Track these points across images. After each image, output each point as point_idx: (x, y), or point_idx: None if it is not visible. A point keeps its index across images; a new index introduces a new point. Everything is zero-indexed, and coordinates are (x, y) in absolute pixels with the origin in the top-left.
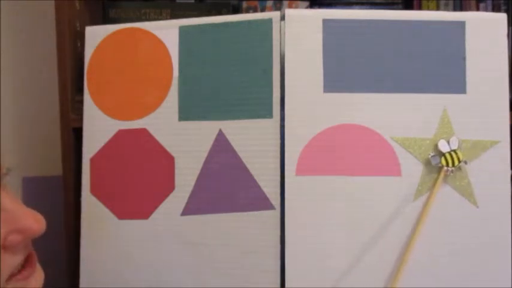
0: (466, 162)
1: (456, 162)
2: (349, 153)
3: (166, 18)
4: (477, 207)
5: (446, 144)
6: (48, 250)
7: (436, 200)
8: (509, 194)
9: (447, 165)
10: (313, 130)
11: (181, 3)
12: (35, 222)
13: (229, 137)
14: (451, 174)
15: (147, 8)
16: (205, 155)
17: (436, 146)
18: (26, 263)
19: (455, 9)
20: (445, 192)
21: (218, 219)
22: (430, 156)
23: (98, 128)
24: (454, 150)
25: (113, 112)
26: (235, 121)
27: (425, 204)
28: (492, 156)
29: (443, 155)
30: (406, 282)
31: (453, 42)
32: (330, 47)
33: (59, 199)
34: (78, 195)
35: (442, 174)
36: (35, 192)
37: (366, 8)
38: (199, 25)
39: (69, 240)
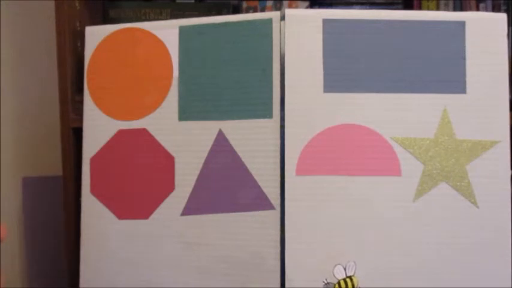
0: None
1: None
2: (349, 153)
3: (166, 18)
4: (477, 207)
5: (342, 270)
6: (48, 250)
7: (436, 200)
8: (509, 194)
9: None
10: (313, 130)
11: (181, 3)
12: None
13: (229, 137)
14: None
15: (147, 8)
16: (205, 155)
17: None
18: None
19: (455, 9)
20: (445, 192)
21: (218, 219)
22: (324, 283)
23: (98, 128)
24: (350, 277)
25: (113, 112)
26: (235, 121)
27: None
28: (492, 156)
29: (338, 281)
30: (406, 282)
31: (453, 42)
32: (330, 47)
33: (59, 199)
34: (78, 195)
35: None
36: (35, 192)
37: (366, 8)
38: (199, 25)
39: (69, 240)
